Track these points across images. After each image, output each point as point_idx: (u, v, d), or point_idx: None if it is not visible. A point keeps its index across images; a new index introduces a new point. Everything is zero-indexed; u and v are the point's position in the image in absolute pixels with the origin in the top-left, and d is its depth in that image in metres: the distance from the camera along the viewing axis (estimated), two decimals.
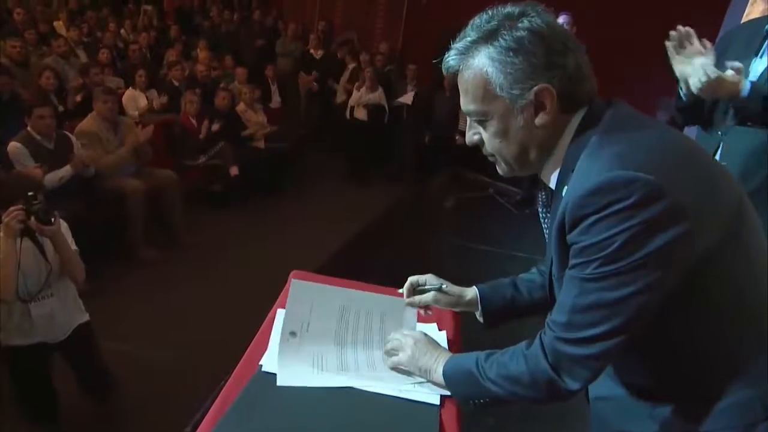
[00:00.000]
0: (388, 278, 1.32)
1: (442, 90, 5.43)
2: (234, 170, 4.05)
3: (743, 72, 1.46)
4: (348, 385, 0.91)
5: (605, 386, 0.86)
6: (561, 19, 3.97)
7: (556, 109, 0.74)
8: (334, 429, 0.85)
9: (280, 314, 1.11)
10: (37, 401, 1.83)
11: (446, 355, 0.94)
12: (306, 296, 1.09)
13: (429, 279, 1.10)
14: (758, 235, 0.78)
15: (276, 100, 5.66)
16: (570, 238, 0.72)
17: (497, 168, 0.83)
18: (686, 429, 0.79)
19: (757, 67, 1.55)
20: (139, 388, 2.11)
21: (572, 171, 0.73)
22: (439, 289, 1.07)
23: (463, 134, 4.80)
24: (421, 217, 4.40)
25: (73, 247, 1.81)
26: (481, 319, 1.08)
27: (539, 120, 0.75)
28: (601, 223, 0.67)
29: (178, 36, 6.37)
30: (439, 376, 0.92)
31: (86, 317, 1.91)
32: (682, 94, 1.60)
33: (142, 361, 2.30)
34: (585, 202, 0.68)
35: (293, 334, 1.00)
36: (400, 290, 1.11)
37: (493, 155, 0.81)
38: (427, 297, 1.08)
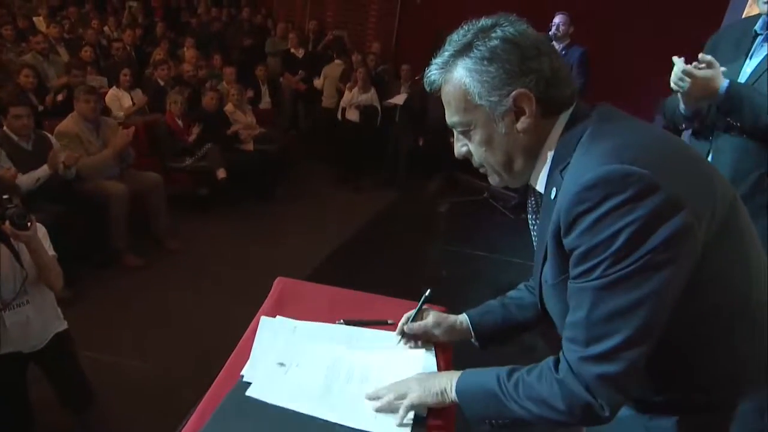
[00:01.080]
0: (381, 285, 1.34)
1: (434, 91, 5.44)
2: (221, 173, 4.01)
3: (716, 66, 1.45)
4: (323, 417, 0.87)
5: None
6: (557, 19, 4.00)
7: (537, 113, 0.77)
8: None
9: (264, 322, 1.09)
10: (11, 413, 1.79)
11: (456, 373, 0.91)
12: (283, 335, 1.07)
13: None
14: (753, 235, 0.79)
15: (266, 101, 5.64)
16: (568, 242, 0.72)
17: (489, 179, 0.87)
18: None
19: (746, 68, 1.56)
20: (120, 400, 2.08)
21: (561, 171, 0.75)
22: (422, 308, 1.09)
23: None
24: (415, 222, 4.40)
25: (51, 252, 1.78)
26: (476, 343, 1.10)
27: (521, 125, 0.78)
28: (601, 222, 0.67)
29: (164, 34, 6.34)
30: (454, 395, 0.88)
31: (64, 325, 1.87)
32: (682, 109, 1.62)
33: (123, 372, 2.28)
34: (580, 198, 0.68)
35: (282, 365, 0.98)
36: (390, 322, 1.12)
37: (482, 165, 0.85)
38: (426, 321, 1.09)
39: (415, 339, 1.10)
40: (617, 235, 0.67)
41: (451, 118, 0.83)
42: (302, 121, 6.38)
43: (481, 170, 0.85)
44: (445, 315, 1.10)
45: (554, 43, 4.06)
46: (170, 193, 3.65)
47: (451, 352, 1.12)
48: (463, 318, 1.10)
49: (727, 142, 1.57)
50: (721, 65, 1.47)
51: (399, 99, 5.45)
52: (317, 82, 6.03)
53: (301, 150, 5.64)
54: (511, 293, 1.10)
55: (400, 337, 1.09)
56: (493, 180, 0.86)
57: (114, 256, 3.19)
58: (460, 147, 0.85)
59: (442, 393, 0.89)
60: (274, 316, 1.15)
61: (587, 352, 0.72)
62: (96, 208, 3.11)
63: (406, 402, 0.90)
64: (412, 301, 1.19)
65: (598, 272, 0.69)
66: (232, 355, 1.02)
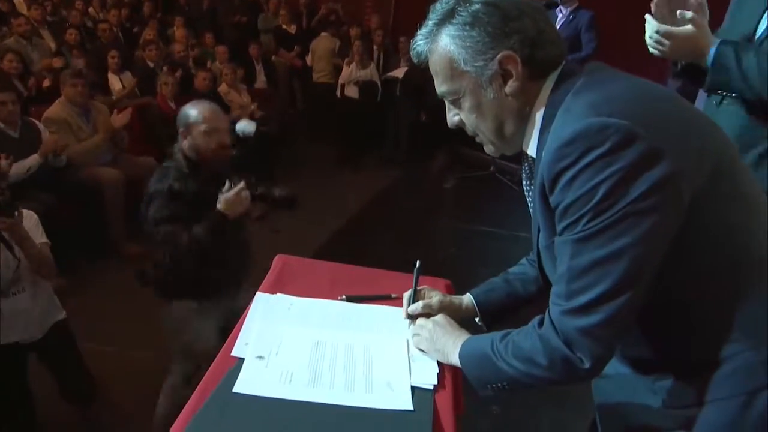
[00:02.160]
0: (386, 265, 1.32)
1: (423, 63, 5.35)
2: None
3: (701, 23, 1.27)
4: (317, 401, 0.87)
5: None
6: None
7: (524, 76, 0.78)
8: (316, 424, 0.84)
9: (259, 299, 1.10)
10: (12, 406, 1.81)
11: (464, 337, 0.95)
12: (275, 314, 1.07)
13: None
14: (757, 194, 0.79)
15: (261, 80, 5.58)
16: (552, 199, 0.74)
17: (485, 149, 0.89)
18: (689, 399, 0.80)
19: (765, 19, 1.39)
20: (124, 391, 2.09)
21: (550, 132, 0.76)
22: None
23: None
24: (420, 199, 4.39)
25: (43, 239, 1.77)
26: (481, 324, 1.12)
27: (509, 88, 0.79)
28: (580, 176, 0.69)
29: (152, 13, 6.24)
30: (455, 358, 0.93)
31: (63, 314, 1.88)
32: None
33: (126, 363, 2.28)
34: (560, 154, 0.70)
35: (261, 358, 0.96)
36: (394, 296, 1.13)
37: (477, 134, 0.86)
38: (430, 302, 1.09)
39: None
40: (597, 188, 0.68)
41: (440, 87, 0.84)
42: (299, 100, 6.31)
43: (477, 140, 0.87)
44: (449, 298, 1.11)
45: (561, 7, 3.96)
46: None
47: None
48: (467, 299, 1.11)
49: (731, 112, 1.42)
50: (747, 17, 1.36)
51: (398, 73, 5.38)
52: (307, 59, 5.94)
53: (300, 129, 5.59)
54: (513, 269, 1.12)
55: (404, 313, 1.10)
56: (489, 149, 0.88)
57: (112, 244, 3.20)
58: (452, 117, 0.87)
59: (444, 354, 0.96)
60: (275, 294, 1.14)
61: (568, 305, 0.74)
62: (90, 195, 3.10)
63: (416, 339, 1.00)
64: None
65: (579, 226, 0.71)
66: (230, 336, 1.01)
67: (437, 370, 0.96)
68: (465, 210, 4.15)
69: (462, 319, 1.10)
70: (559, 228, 0.75)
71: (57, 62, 4.03)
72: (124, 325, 2.52)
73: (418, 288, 1.10)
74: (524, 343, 0.81)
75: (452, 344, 0.95)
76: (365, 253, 3.17)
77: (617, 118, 0.68)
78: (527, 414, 2.13)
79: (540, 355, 0.78)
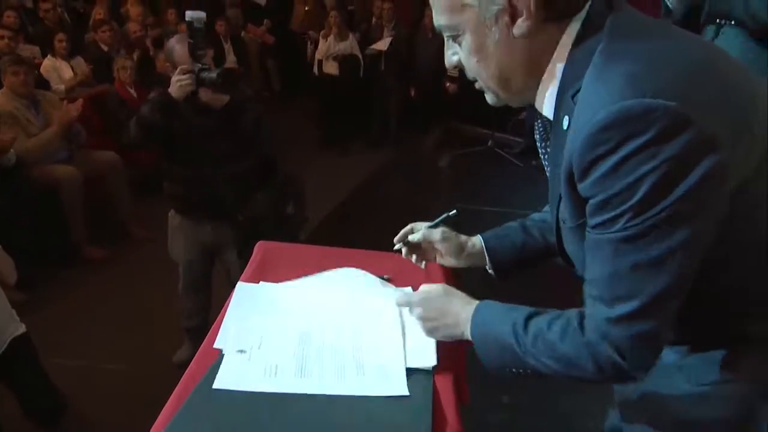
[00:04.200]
0: (379, 248, 1.29)
1: (422, 31, 5.28)
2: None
3: None
4: (306, 392, 0.87)
5: None
6: None
7: (537, 16, 0.71)
8: (305, 417, 0.83)
9: (240, 289, 1.08)
10: None
11: (472, 307, 0.90)
12: (257, 305, 1.05)
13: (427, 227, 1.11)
14: None
15: (231, 60, 5.48)
16: (583, 189, 0.70)
17: (486, 97, 0.83)
18: (717, 376, 0.80)
19: None
20: (96, 408, 2.07)
21: (572, 96, 0.70)
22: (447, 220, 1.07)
23: (453, 80, 4.74)
24: (413, 181, 4.36)
25: None
26: (491, 272, 1.08)
27: (517, 29, 0.72)
28: (620, 168, 0.64)
29: None
30: (467, 332, 0.90)
31: (22, 329, 1.85)
32: (668, 3, 1.57)
33: (97, 377, 2.26)
34: (595, 140, 0.65)
35: (242, 351, 0.95)
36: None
37: (476, 79, 0.81)
38: (435, 233, 1.07)
39: (417, 254, 1.10)
40: (640, 182, 0.64)
41: (437, 19, 0.78)
42: (274, 80, 6.23)
43: (477, 86, 0.82)
44: (454, 234, 1.08)
45: None
46: (132, 175, 3.60)
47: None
48: (476, 240, 1.07)
49: (728, 44, 1.49)
50: None
51: (382, 44, 5.29)
52: None
53: (276, 111, 5.51)
54: (534, 215, 1.07)
55: (399, 246, 1.09)
56: (490, 98, 0.83)
57: (73, 250, 3.15)
58: (450, 56, 0.81)
59: (450, 329, 0.92)
60: (257, 283, 1.12)
61: (614, 313, 0.72)
62: (46, 197, 3.05)
63: (416, 312, 0.95)
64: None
65: (619, 225, 0.67)
66: (211, 328, 1.00)
67: (435, 350, 0.94)
68: (463, 189, 4.13)
69: (469, 264, 1.08)
70: (591, 222, 0.71)
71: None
72: (94, 337, 2.50)
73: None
74: (564, 347, 0.78)
75: (464, 317, 0.90)
76: (355, 239, 3.14)
77: (663, 98, 0.62)
78: (541, 402, 2.13)
79: (586, 362, 0.76)
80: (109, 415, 2.04)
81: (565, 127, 0.71)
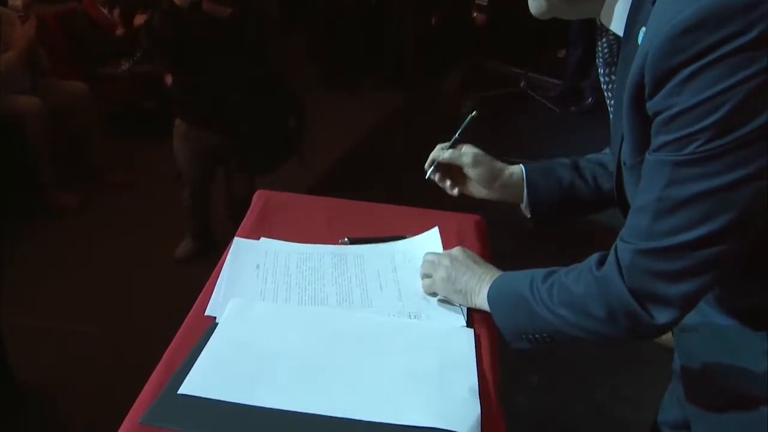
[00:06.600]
0: (391, 201, 1.31)
1: None
2: (170, 78, 3.81)
3: None
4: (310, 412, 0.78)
5: (697, 313, 0.84)
6: None
7: None
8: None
9: (238, 244, 1.07)
10: None
11: (493, 274, 0.94)
12: (253, 273, 1.02)
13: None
14: None
15: None
16: (653, 104, 0.65)
17: (529, 3, 0.81)
18: None
19: None
20: (64, 377, 2.07)
21: (653, 0, 0.66)
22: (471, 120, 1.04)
23: (481, 9, 4.56)
24: (431, 128, 4.26)
25: None
26: (527, 213, 1.05)
27: None
28: (703, 75, 0.60)
29: None
30: (482, 299, 0.91)
31: None
32: None
33: (67, 341, 2.25)
34: (676, 45, 0.61)
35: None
36: (429, 174, 1.08)
37: None
38: (465, 155, 1.04)
39: (449, 179, 1.08)
40: (726, 94, 0.60)
41: None
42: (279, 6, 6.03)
43: None
44: (489, 158, 1.05)
45: None
46: (105, 109, 3.57)
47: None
48: (516, 169, 1.04)
49: None
50: None
51: None
52: None
53: (274, 41, 5.38)
54: (591, 155, 1.05)
55: (429, 171, 1.07)
56: (535, 4, 0.80)
57: (41, 195, 3.13)
58: None
59: (466, 295, 0.94)
60: (257, 238, 1.09)
61: (647, 245, 0.69)
62: (7, 131, 2.98)
63: (426, 282, 1.00)
64: (438, 210, 1.18)
65: (691, 146, 0.63)
66: (203, 291, 0.98)
67: (464, 314, 0.95)
68: (489, 137, 4.00)
69: (501, 197, 1.06)
70: (655, 142, 0.66)
71: None
72: (65, 295, 2.52)
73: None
74: (576, 287, 0.78)
75: (477, 282, 0.92)
76: (366, 192, 3.10)
77: None
78: (575, 384, 2.14)
79: (596, 304, 0.75)
80: (82, 385, 2.04)
81: (640, 41, 0.66)
